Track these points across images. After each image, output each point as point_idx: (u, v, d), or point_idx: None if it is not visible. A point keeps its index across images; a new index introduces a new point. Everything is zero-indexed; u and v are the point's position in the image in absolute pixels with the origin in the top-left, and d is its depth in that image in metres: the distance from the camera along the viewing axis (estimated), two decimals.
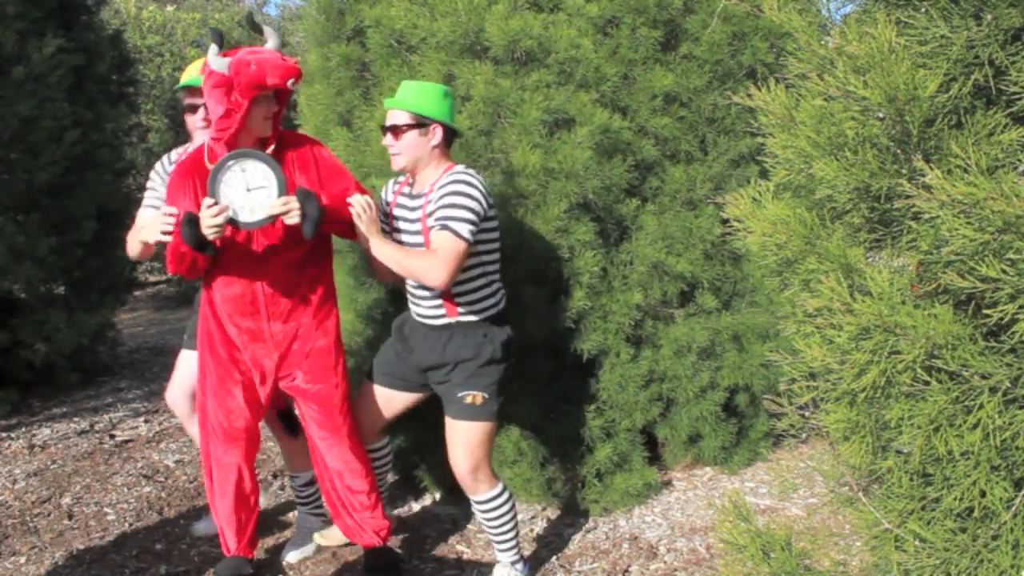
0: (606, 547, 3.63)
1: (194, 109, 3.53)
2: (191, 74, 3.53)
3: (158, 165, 3.69)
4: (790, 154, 1.62)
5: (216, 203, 2.88)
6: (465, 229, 2.96)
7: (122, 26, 9.60)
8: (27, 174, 5.37)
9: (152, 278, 11.23)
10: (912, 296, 1.47)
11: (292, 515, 4.01)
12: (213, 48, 2.90)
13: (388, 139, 3.09)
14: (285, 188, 2.94)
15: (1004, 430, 1.39)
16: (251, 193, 2.94)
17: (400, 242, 3.19)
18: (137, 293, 9.80)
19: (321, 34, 4.12)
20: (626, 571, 3.44)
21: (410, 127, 3.05)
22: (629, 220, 3.89)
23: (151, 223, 3.28)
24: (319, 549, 3.65)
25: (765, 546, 1.91)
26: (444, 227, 2.96)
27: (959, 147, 1.37)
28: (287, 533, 3.82)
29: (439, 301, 3.16)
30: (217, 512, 3.28)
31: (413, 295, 3.25)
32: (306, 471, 3.60)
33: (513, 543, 3.33)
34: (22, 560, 3.63)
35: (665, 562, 3.50)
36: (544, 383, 3.83)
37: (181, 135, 10.63)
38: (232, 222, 2.93)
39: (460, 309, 3.15)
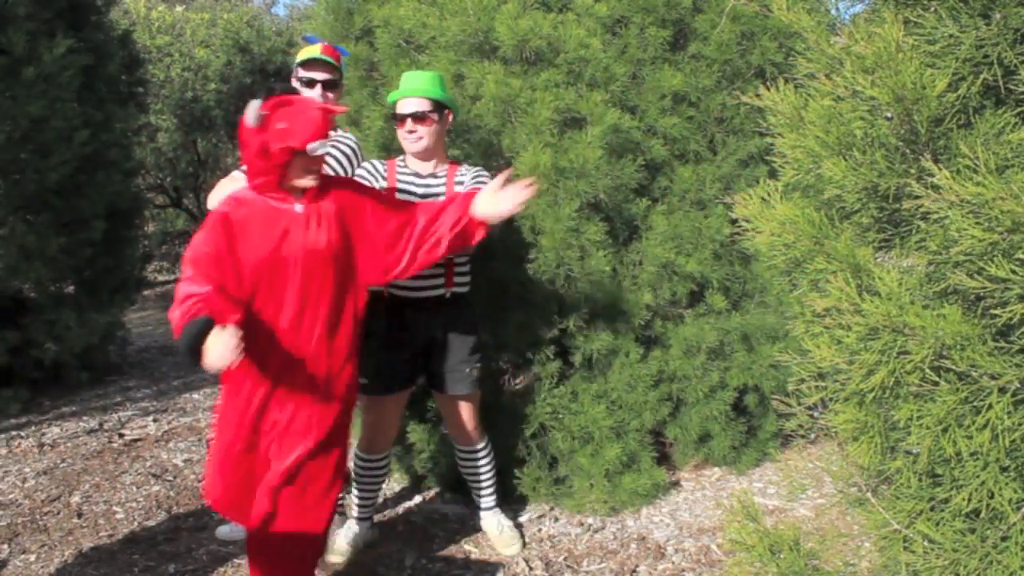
0: (614, 547, 3.62)
1: (312, 84, 3.45)
2: (312, 51, 3.46)
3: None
4: (799, 154, 1.62)
5: None
6: None
7: (131, 26, 9.62)
8: (37, 174, 5.38)
9: (161, 277, 11.27)
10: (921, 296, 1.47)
11: None
12: (253, 104, 2.68)
13: (410, 125, 3.25)
14: None
15: (1013, 431, 1.38)
16: None
17: None
18: (146, 292, 9.83)
19: (330, 34, 4.13)
20: (634, 571, 3.44)
21: (433, 113, 3.27)
22: (639, 220, 3.89)
23: None
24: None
25: (773, 546, 1.91)
26: None
27: (967, 147, 1.36)
28: None
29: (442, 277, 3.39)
30: None
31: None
32: None
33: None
34: (32, 558, 3.64)
35: (673, 562, 3.50)
36: (554, 383, 3.83)
37: (190, 135, 10.68)
38: None
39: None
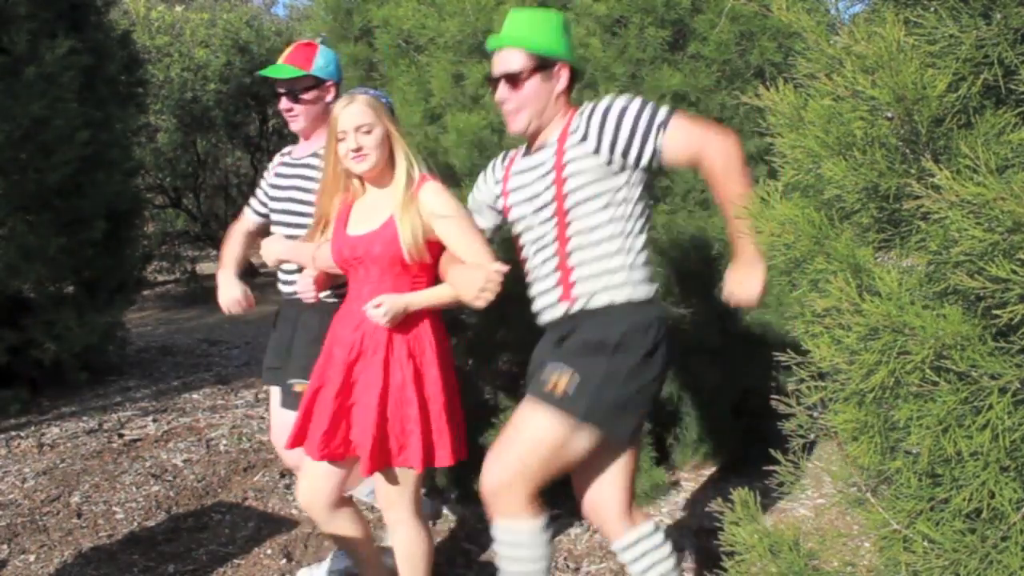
0: None
1: (278, 96, 3.16)
2: (275, 66, 3.15)
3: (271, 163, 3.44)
4: (799, 154, 1.61)
5: None
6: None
7: (131, 26, 9.63)
8: (38, 174, 5.39)
9: (161, 277, 11.27)
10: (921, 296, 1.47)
11: (302, 512, 4.02)
12: None
13: (502, 92, 2.37)
14: None
15: (1014, 431, 1.38)
16: None
17: (519, 211, 2.49)
18: (145, 292, 9.83)
19: (329, 34, 4.13)
20: None
21: (531, 72, 2.34)
22: None
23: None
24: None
25: (773, 546, 1.91)
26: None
27: (968, 147, 1.36)
28: (295, 533, 3.82)
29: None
30: None
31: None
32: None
33: None
34: (31, 559, 3.64)
35: None
36: None
37: (190, 135, 10.68)
38: None
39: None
